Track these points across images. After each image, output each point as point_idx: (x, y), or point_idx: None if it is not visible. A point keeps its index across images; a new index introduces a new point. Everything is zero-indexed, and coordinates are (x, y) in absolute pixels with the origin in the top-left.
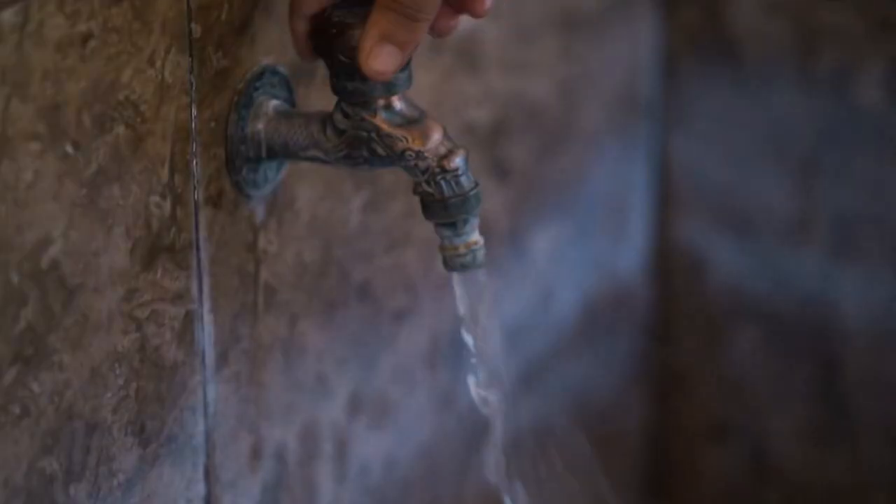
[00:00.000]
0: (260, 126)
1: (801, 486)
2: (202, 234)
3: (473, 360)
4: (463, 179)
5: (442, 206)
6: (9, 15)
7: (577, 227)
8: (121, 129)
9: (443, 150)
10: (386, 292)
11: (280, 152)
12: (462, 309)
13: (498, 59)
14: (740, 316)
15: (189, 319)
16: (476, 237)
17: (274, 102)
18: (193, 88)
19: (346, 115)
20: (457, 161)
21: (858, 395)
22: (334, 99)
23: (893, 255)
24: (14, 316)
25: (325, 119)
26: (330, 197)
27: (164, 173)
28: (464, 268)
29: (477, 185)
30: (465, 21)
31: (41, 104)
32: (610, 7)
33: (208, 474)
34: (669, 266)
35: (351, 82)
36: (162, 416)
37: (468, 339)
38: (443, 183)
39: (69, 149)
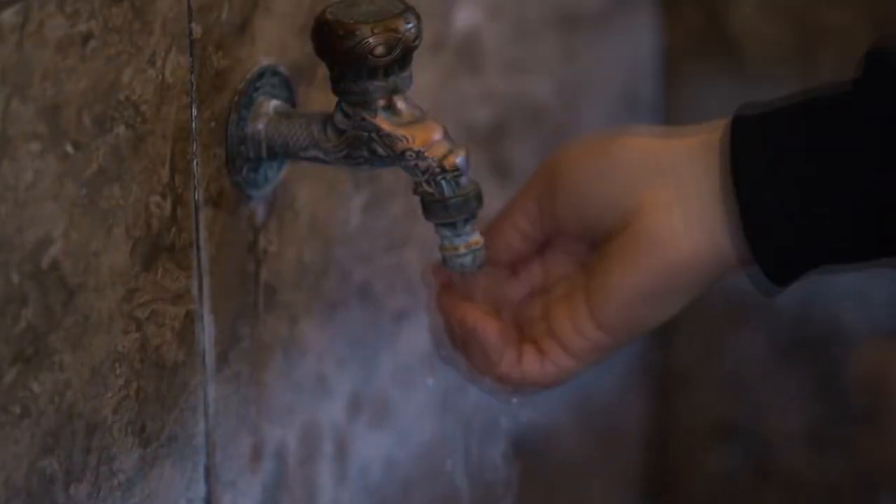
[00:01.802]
0: (260, 126)
1: (801, 486)
2: (202, 234)
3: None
4: (463, 179)
5: (442, 207)
6: (9, 15)
7: None
8: (121, 129)
9: (443, 150)
10: (386, 292)
11: (280, 152)
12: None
13: (498, 59)
14: (740, 316)
15: (189, 319)
16: (476, 237)
17: (274, 102)
18: (194, 88)
19: (346, 116)
20: (457, 161)
21: (858, 395)
22: (335, 99)
23: None
24: (14, 316)
25: (326, 119)
26: (330, 197)
27: (165, 173)
28: (464, 268)
29: (477, 185)
30: (464, 21)
31: (41, 104)
32: (610, 7)
33: (209, 474)
34: None
35: (352, 83)
36: (162, 417)
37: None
38: (443, 183)
39: (69, 149)
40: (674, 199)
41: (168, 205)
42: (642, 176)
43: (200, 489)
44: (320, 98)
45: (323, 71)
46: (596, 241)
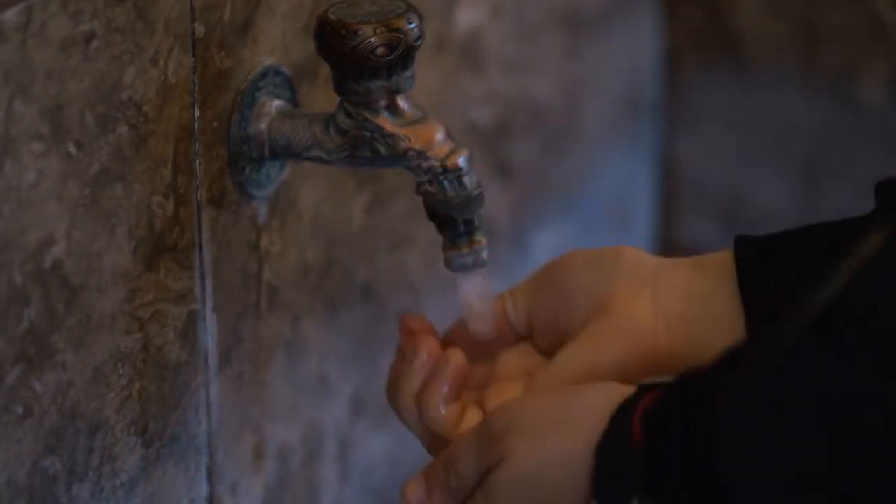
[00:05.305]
0: (262, 126)
1: None
2: (205, 234)
3: None
4: (466, 179)
5: (445, 206)
6: (12, 15)
7: (580, 226)
8: (124, 129)
9: (445, 150)
10: (389, 292)
11: (283, 152)
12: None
13: (501, 59)
14: None
15: (192, 319)
16: (479, 237)
17: (276, 102)
18: (196, 88)
19: (349, 115)
20: (459, 161)
21: None
22: (337, 99)
23: None
24: (17, 316)
25: (328, 119)
26: (333, 197)
27: (167, 173)
28: (466, 268)
29: (480, 185)
30: (466, 21)
31: (44, 104)
32: (612, 7)
33: (211, 474)
34: None
35: (354, 82)
36: (165, 416)
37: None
38: (445, 183)
39: (72, 149)
40: (649, 295)
41: (170, 205)
42: (626, 275)
43: (202, 489)
44: (322, 98)
45: (325, 71)
46: (558, 344)
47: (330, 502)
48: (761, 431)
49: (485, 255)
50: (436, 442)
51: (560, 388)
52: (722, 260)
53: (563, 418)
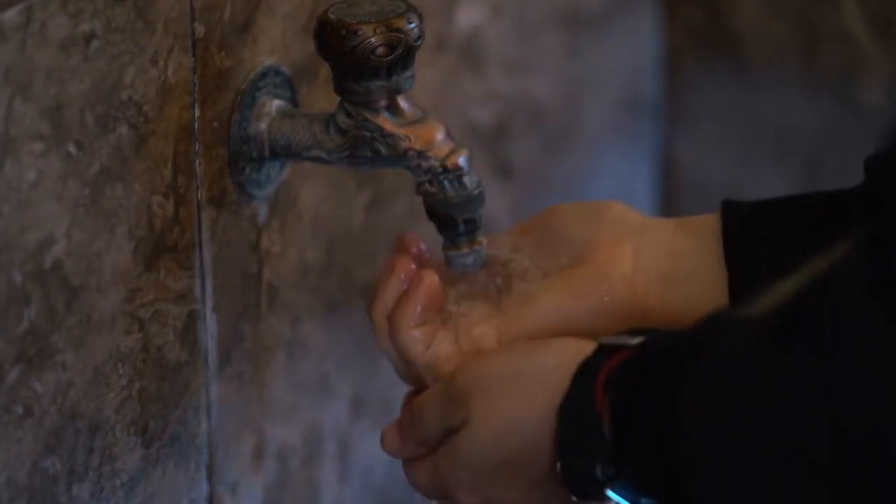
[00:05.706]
0: (263, 126)
1: None
2: (205, 234)
3: None
4: (466, 179)
5: (445, 206)
6: (12, 14)
7: None
8: (124, 129)
9: (445, 150)
10: None
11: (283, 152)
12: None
13: (501, 58)
14: None
15: (192, 319)
16: (479, 237)
17: (276, 102)
18: (196, 88)
19: (349, 115)
20: (459, 161)
21: None
22: (337, 99)
23: None
24: (17, 316)
25: (328, 119)
26: (333, 197)
27: (167, 173)
28: (466, 268)
29: (480, 185)
30: (466, 21)
31: (44, 104)
32: (612, 7)
33: (211, 474)
34: None
35: (354, 82)
36: (165, 416)
37: None
38: (446, 183)
39: (72, 149)
40: (632, 249)
41: (170, 205)
42: (612, 228)
43: (202, 489)
44: (323, 98)
45: (325, 71)
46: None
47: (330, 502)
48: (745, 393)
49: (485, 255)
50: (406, 368)
51: (520, 344)
52: (709, 222)
53: (522, 379)
